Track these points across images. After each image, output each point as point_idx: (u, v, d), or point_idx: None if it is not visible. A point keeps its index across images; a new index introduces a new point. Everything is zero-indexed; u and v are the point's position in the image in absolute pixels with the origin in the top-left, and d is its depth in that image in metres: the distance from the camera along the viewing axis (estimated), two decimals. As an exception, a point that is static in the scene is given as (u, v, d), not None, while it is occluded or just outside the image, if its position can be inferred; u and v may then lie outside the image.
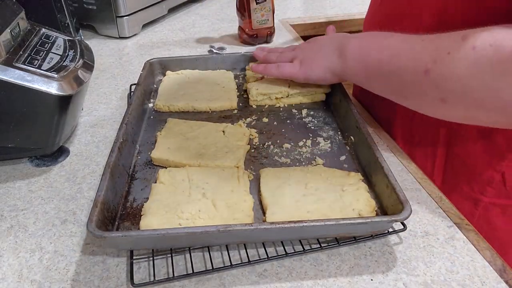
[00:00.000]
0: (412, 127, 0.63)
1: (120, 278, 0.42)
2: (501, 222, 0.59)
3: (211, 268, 0.42)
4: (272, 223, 0.41)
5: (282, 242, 0.45)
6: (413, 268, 0.42)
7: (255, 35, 0.94)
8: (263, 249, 0.44)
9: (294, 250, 0.44)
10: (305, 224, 0.41)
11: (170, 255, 0.43)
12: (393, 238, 0.46)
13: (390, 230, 0.46)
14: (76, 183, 0.54)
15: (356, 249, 0.45)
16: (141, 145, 0.59)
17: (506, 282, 0.41)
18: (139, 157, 0.57)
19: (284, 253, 0.43)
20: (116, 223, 0.46)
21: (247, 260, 0.43)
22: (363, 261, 0.43)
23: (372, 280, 0.41)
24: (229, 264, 0.42)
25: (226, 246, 0.44)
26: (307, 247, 0.44)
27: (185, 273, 0.41)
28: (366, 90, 0.58)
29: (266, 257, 0.43)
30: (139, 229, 0.44)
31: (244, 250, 0.44)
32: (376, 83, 0.54)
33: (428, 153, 0.62)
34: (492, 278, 0.41)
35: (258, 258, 0.43)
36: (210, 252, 0.44)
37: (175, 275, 0.41)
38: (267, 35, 0.95)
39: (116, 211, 0.47)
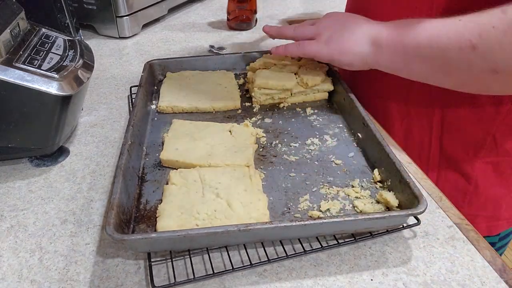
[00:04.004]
0: (408, 104, 0.66)
1: (120, 278, 0.42)
2: (493, 178, 0.66)
3: (230, 268, 0.42)
4: (291, 220, 0.42)
5: (282, 241, 0.45)
6: (413, 268, 0.42)
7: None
8: (282, 246, 0.44)
9: (295, 251, 0.44)
10: (324, 220, 0.42)
11: (182, 257, 0.44)
12: (393, 238, 0.46)
13: (405, 224, 0.46)
14: (76, 183, 0.54)
15: (356, 249, 0.45)
16: (148, 147, 0.59)
17: (506, 282, 0.41)
18: (147, 159, 0.57)
19: (299, 251, 0.43)
20: (131, 225, 0.46)
21: (266, 259, 0.43)
22: (363, 261, 0.43)
23: (372, 280, 0.41)
24: (249, 263, 0.42)
25: (244, 245, 0.45)
26: (307, 248, 0.44)
27: (205, 274, 0.41)
28: (361, 90, 0.60)
29: (285, 255, 0.43)
30: (155, 231, 0.44)
31: (257, 249, 0.44)
32: (416, 67, 0.55)
33: (425, 127, 0.66)
34: (492, 278, 0.41)
35: (276, 257, 0.43)
36: (222, 253, 0.44)
37: (193, 276, 0.41)
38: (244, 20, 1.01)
39: (130, 213, 0.47)
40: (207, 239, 0.42)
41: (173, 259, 0.43)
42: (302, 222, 0.41)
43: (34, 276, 0.42)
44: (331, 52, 0.60)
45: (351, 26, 0.60)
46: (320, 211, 0.48)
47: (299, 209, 0.48)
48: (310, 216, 0.47)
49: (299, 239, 0.45)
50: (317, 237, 0.45)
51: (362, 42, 0.57)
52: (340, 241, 0.45)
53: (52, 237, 0.47)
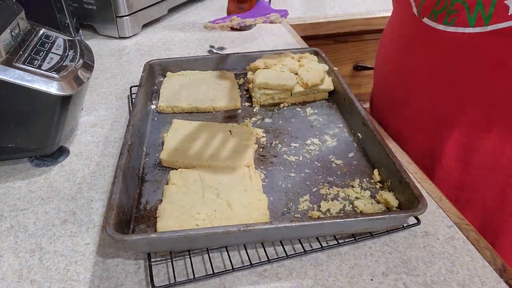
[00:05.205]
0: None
1: (120, 278, 0.42)
2: None
3: (230, 268, 0.42)
4: (291, 220, 0.42)
5: (295, 240, 0.45)
6: (413, 268, 0.42)
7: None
8: (282, 246, 0.44)
9: (295, 251, 0.44)
10: (324, 221, 0.42)
11: (182, 257, 0.44)
12: (393, 238, 0.46)
13: (405, 225, 0.46)
14: (76, 183, 0.54)
15: (356, 249, 0.45)
16: (148, 147, 0.59)
17: (506, 282, 0.41)
18: (147, 159, 0.57)
19: (299, 251, 0.43)
20: (131, 226, 0.46)
21: (266, 259, 0.43)
22: (363, 261, 0.43)
23: (372, 280, 0.41)
24: (249, 263, 0.42)
25: (244, 245, 0.44)
26: (307, 248, 0.44)
27: (205, 274, 0.41)
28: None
29: (285, 255, 0.43)
30: (155, 231, 0.44)
31: (257, 249, 0.44)
32: None
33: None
34: (492, 278, 0.41)
35: (276, 256, 0.43)
36: (222, 253, 0.44)
37: (193, 276, 0.41)
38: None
39: (130, 214, 0.47)
40: (207, 240, 0.42)
41: (173, 259, 0.43)
42: (302, 223, 0.41)
43: (34, 276, 0.42)
44: None
45: None
46: (320, 211, 0.48)
47: (299, 209, 0.48)
48: (310, 217, 0.47)
49: (299, 239, 0.45)
50: (317, 237, 0.45)
51: None
52: (340, 241, 0.45)
53: (52, 237, 0.47)
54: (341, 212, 0.48)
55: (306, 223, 0.42)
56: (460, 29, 0.55)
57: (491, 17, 0.51)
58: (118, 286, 0.41)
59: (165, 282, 0.41)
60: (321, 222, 0.42)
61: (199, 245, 0.43)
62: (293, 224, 0.41)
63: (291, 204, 0.49)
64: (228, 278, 0.42)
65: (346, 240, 0.45)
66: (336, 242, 0.44)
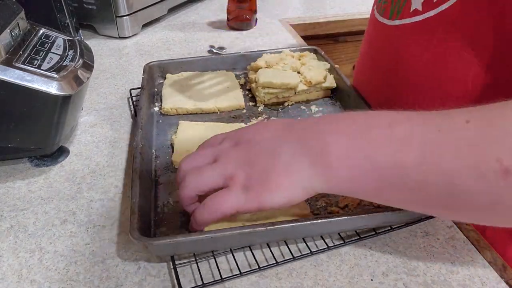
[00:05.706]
0: None
1: (119, 278, 0.42)
2: None
3: (238, 273, 0.42)
4: (316, 218, 0.42)
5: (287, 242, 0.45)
6: (413, 268, 0.42)
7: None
8: (287, 246, 0.44)
9: (300, 252, 0.44)
10: (348, 217, 0.42)
11: (189, 261, 0.43)
12: (393, 238, 0.46)
13: (423, 217, 0.46)
14: (76, 183, 0.54)
15: (356, 249, 0.45)
16: (157, 150, 0.59)
17: (506, 282, 0.41)
18: (157, 161, 0.57)
19: (304, 251, 0.43)
20: (152, 229, 0.46)
21: (290, 257, 0.43)
22: (363, 261, 0.43)
23: (372, 280, 0.41)
24: (274, 262, 0.42)
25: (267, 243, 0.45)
26: (312, 247, 0.44)
27: (231, 274, 0.41)
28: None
29: (291, 257, 0.43)
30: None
31: (280, 247, 0.44)
32: (397, 195, 0.36)
33: None
34: (492, 278, 0.41)
35: (301, 253, 0.43)
36: (227, 256, 0.44)
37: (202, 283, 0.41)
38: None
39: (149, 216, 0.47)
40: (232, 240, 0.42)
41: (198, 261, 0.43)
42: (327, 219, 0.42)
43: (34, 276, 0.42)
44: (257, 201, 0.38)
45: (280, 147, 0.38)
46: (339, 207, 0.48)
47: (318, 206, 0.49)
48: (330, 213, 0.47)
49: (303, 238, 0.45)
50: (321, 236, 0.45)
51: (296, 162, 0.37)
52: (346, 240, 0.45)
53: (52, 237, 0.47)
54: (359, 206, 0.48)
55: (330, 219, 0.42)
56: (385, 21, 0.54)
57: (400, 12, 0.51)
58: (118, 286, 0.41)
59: (191, 284, 0.41)
60: (345, 218, 0.42)
61: (223, 245, 0.43)
62: (319, 221, 0.41)
63: (309, 202, 0.49)
64: (228, 278, 0.41)
65: (352, 239, 0.45)
66: (343, 242, 0.45)
